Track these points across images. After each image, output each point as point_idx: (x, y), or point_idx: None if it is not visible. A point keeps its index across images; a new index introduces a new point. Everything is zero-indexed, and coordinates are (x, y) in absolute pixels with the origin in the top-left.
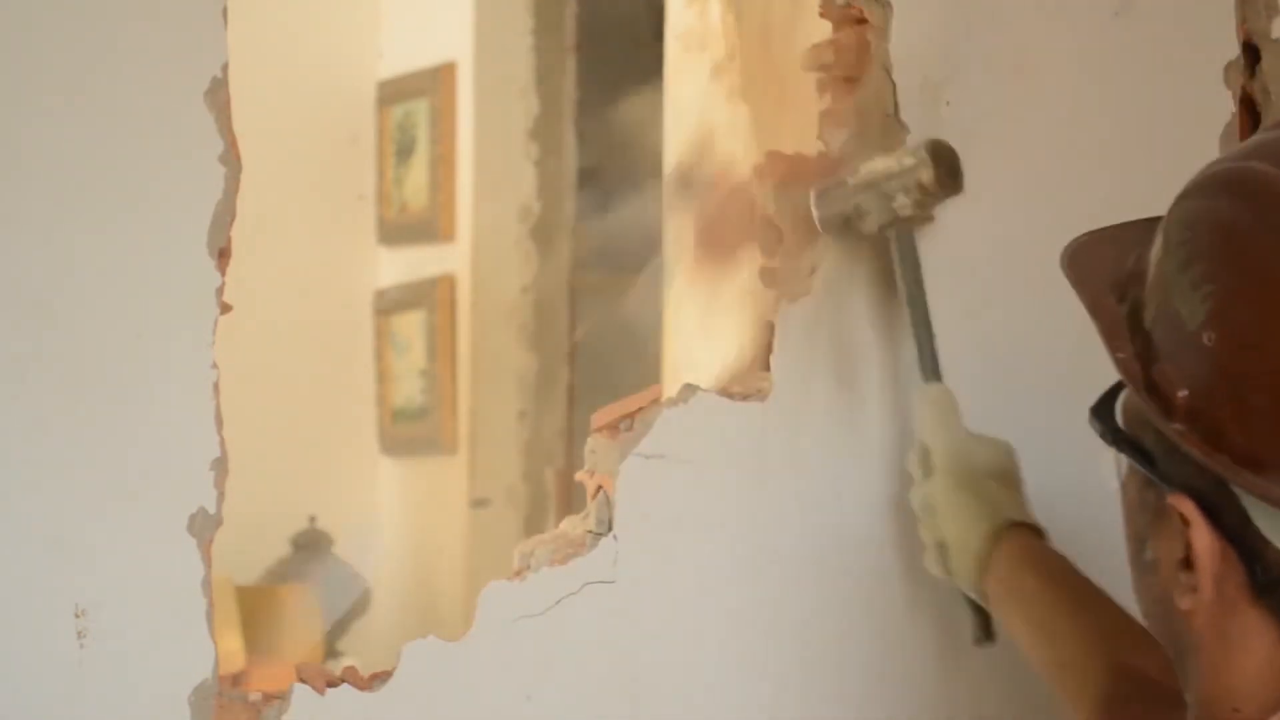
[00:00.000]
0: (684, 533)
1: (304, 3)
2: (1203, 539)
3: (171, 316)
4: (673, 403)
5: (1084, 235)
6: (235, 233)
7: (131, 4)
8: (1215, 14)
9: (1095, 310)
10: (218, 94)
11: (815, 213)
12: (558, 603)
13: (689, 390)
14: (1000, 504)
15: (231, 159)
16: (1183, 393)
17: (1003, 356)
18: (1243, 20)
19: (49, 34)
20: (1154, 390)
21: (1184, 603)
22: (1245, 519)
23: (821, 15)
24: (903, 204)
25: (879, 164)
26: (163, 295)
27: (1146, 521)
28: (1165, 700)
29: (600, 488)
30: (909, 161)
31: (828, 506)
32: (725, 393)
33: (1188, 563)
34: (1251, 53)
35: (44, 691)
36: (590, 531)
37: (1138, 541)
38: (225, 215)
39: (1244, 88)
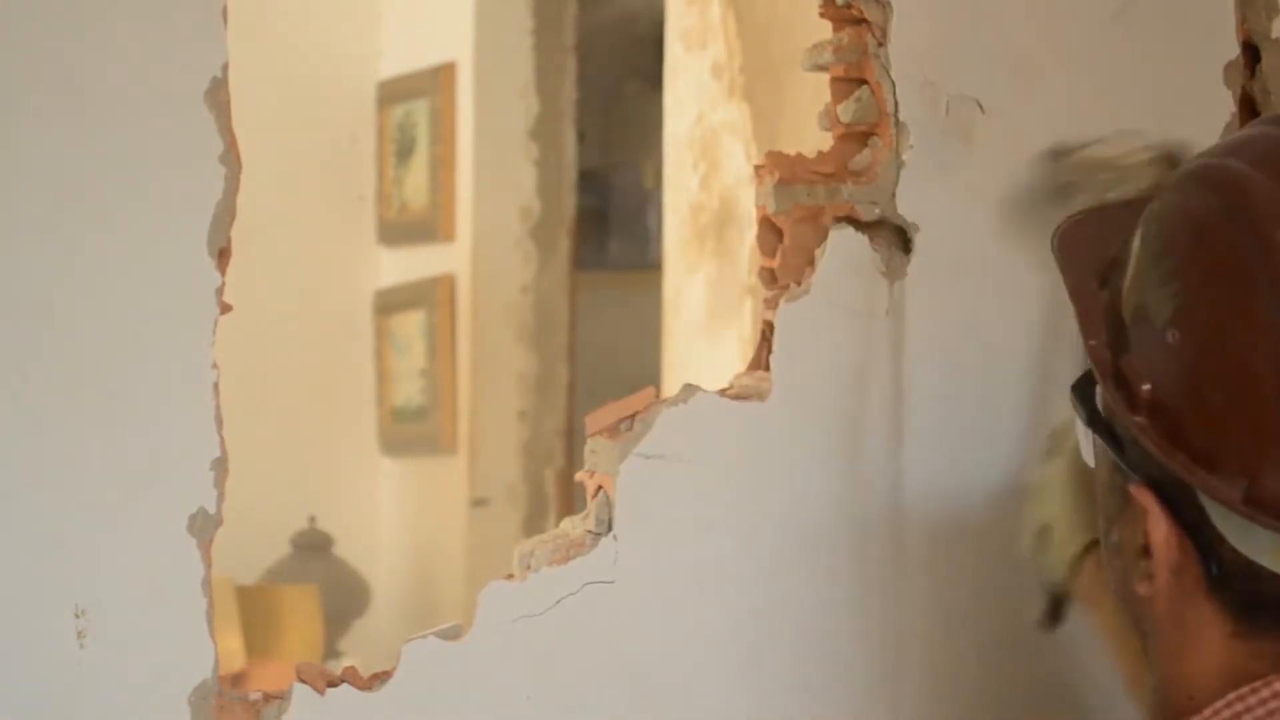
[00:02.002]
0: (684, 533)
1: (304, 3)
2: (1159, 530)
3: (171, 316)
4: (673, 403)
5: (1078, 213)
6: (235, 233)
7: (131, 4)
8: (1215, 14)
9: (1076, 295)
10: (218, 94)
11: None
12: (558, 603)
13: (689, 390)
14: None
15: (231, 159)
16: (1146, 387)
17: (1002, 357)
18: (1243, 20)
19: (49, 34)
20: (1121, 381)
21: (1140, 589)
22: (1202, 514)
23: (821, 15)
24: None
25: (1111, 150)
26: (163, 295)
27: (1114, 505)
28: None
29: (600, 488)
30: (1144, 158)
31: (828, 507)
32: (725, 393)
33: (1147, 550)
34: (1251, 53)
35: (44, 691)
36: (590, 531)
37: (1106, 522)
38: (225, 215)
39: (1244, 88)
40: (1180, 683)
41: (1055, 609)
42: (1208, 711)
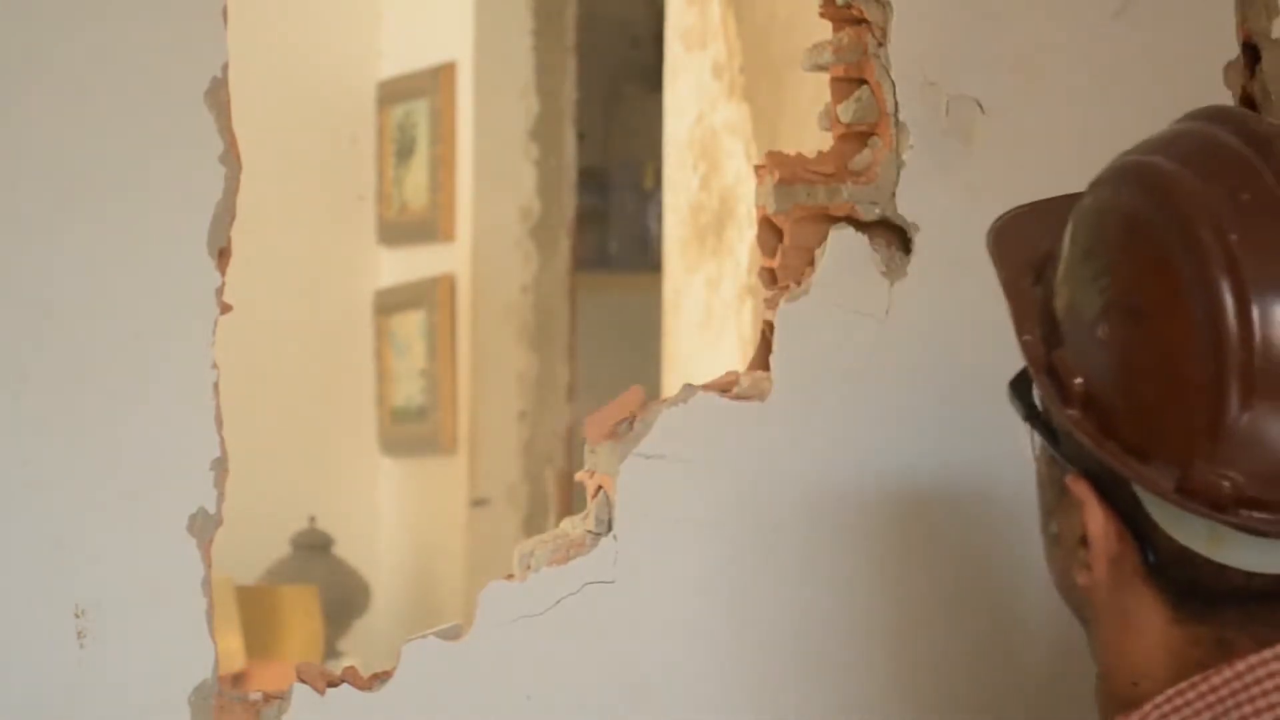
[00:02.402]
0: (684, 533)
1: (304, 3)
2: (1096, 520)
3: (171, 316)
4: (673, 403)
5: (1013, 210)
6: (235, 233)
7: (131, 4)
8: (1215, 14)
9: (1009, 291)
10: (218, 94)
11: None
12: (558, 603)
13: (689, 390)
14: None
15: (231, 159)
16: (1078, 380)
17: (1002, 357)
18: (1243, 20)
19: (49, 34)
20: (1053, 375)
21: (1080, 578)
22: (1136, 503)
23: (822, 15)
24: None
25: None
26: (163, 295)
27: (1052, 497)
28: None
29: (600, 488)
30: None
31: (828, 507)
32: (725, 393)
33: (1085, 540)
34: (1251, 53)
35: (44, 691)
36: (590, 531)
37: (1045, 514)
38: (225, 215)
39: (1244, 88)
40: (1124, 670)
41: None
42: (1148, 707)
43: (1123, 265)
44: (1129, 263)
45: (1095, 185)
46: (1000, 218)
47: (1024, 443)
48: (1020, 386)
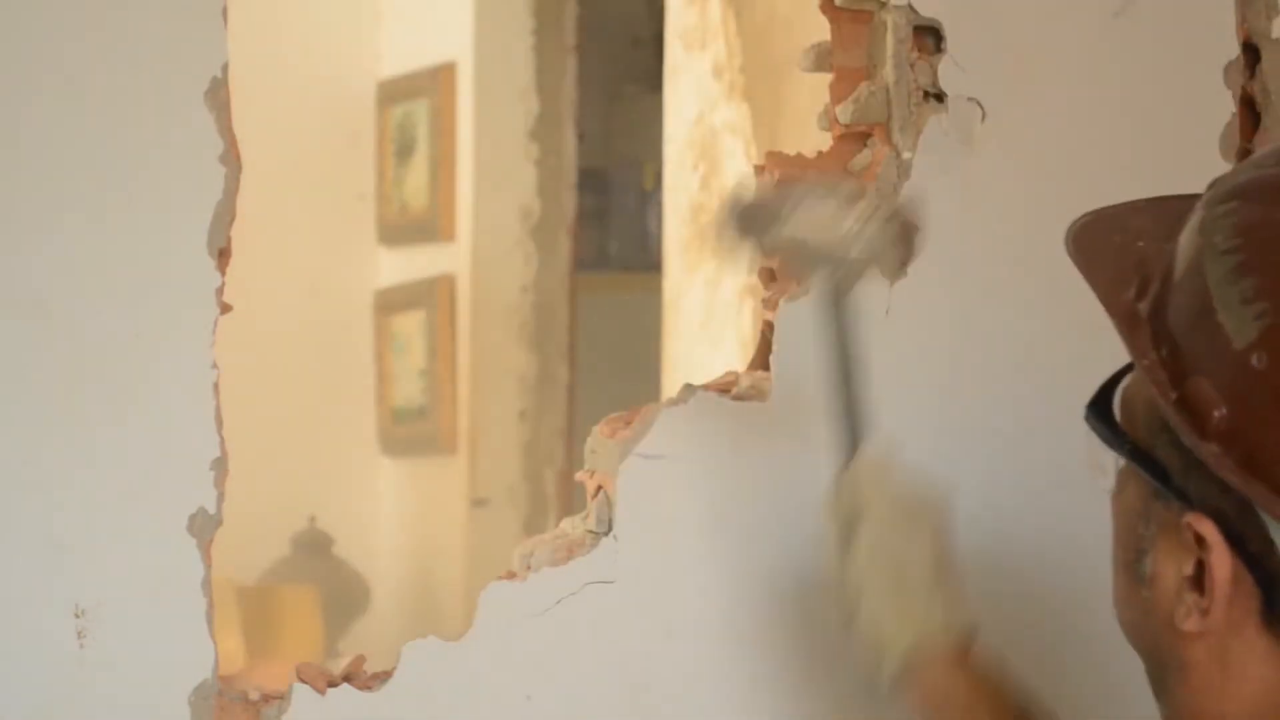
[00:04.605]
0: (684, 533)
1: (304, 3)
2: (1223, 563)
3: (171, 316)
4: (673, 403)
5: (1085, 216)
6: (235, 233)
7: (131, 4)
8: (1215, 14)
9: (1111, 304)
10: (218, 94)
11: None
12: (558, 603)
13: (689, 390)
14: (927, 616)
15: (231, 159)
16: (1220, 411)
17: (1001, 357)
18: (1243, 20)
19: (49, 34)
20: (1185, 404)
21: (1188, 624)
22: (1270, 545)
23: (822, 12)
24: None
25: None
26: (163, 295)
27: (1150, 533)
28: None
29: (600, 488)
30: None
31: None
32: (725, 393)
33: (1197, 582)
34: (1251, 53)
35: (44, 691)
36: (590, 531)
37: (1134, 551)
38: (225, 215)
39: (1244, 88)
40: (1215, 718)
41: None
42: None
43: None
44: None
45: (1230, 197)
46: (1074, 223)
47: (1037, 454)
48: (1101, 409)
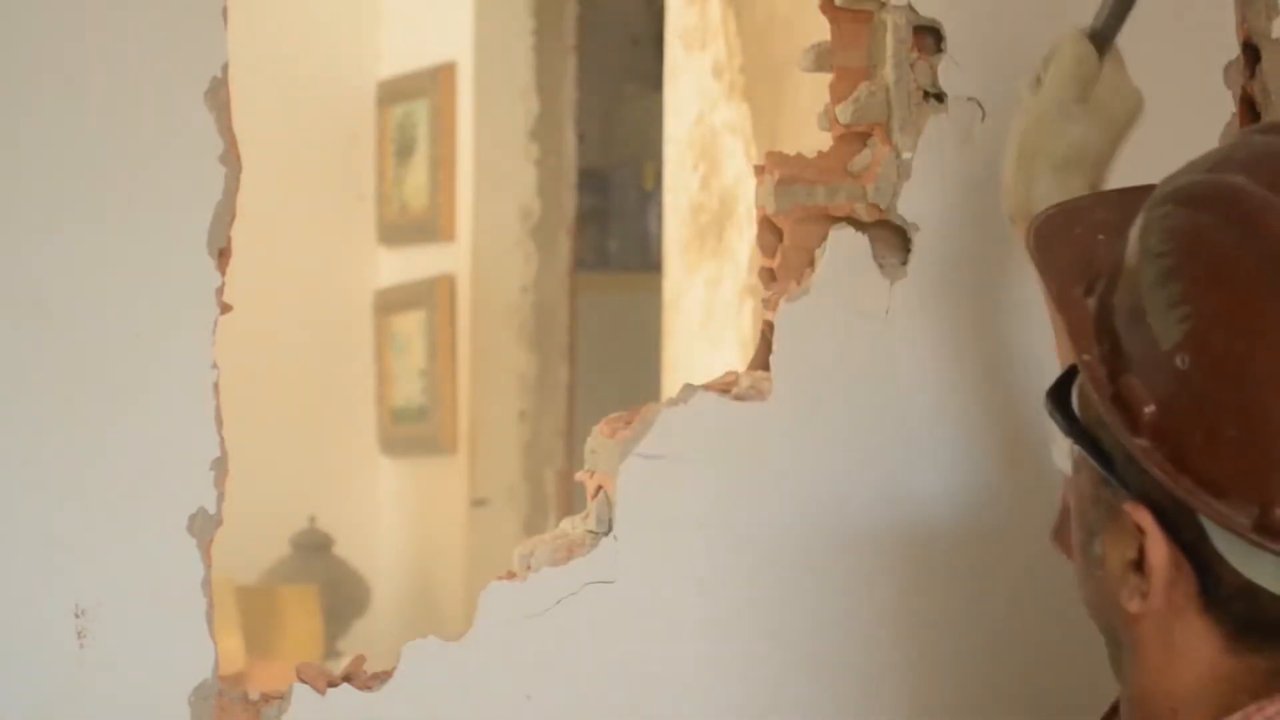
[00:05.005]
0: (684, 533)
1: (304, 3)
2: (1159, 550)
3: (171, 316)
4: (673, 403)
5: (1051, 209)
6: (235, 233)
7: (131, 4)
8: (1215, 14)
9: (1061, 303)
10: (218, 94)
11: None
12: (558, 603)
13: (689, 390)
14: (1065, 187)
15: (231, 159)
16: (1150, 409)
17: (1002, 356)
18: (1243, 20)
19: (49, 34)
20: (1119, 400)
21: (1131, 605)
22: (1202, 535)
23: (822, 12)
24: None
25: None
26: (163, 295)
27: (1099, 517)
28: None
29: (600, 488)
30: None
31: (828, 506)
32: (725, 393)
33: (1138, 566)
34: (1251, 53)
35: (44, 691)
36: (590, 531)
37: (1087, 533)
38: (225, 215)
39: (1244, 88)
40: (1162, 697)
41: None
42: None
43: (1208, 296)
44: (1215, 294)
45: (1167, 200)
46: (1038, 216)
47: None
48: (1059, 397)
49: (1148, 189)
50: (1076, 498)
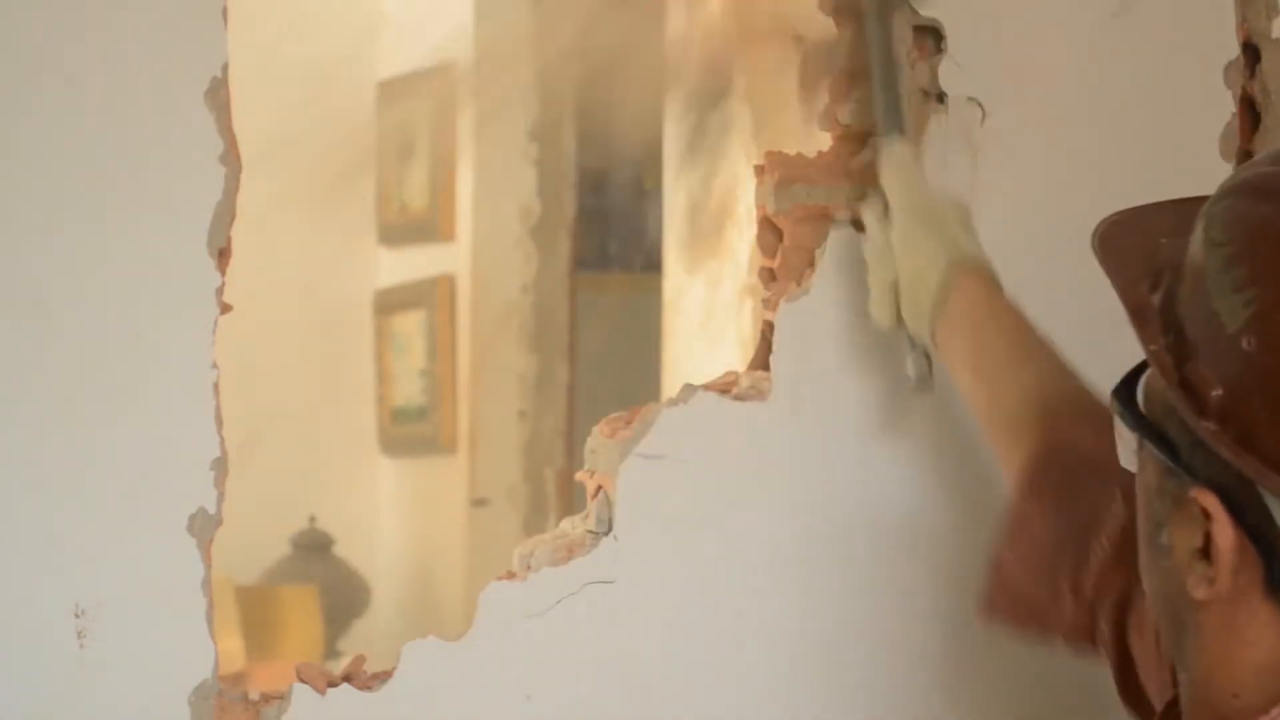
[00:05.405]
0: (684, 533)
1: (304, 3)
2: (1225, 535)
3: (171, 316)
4: (673, 403)
5: (1113, 216)
6: (235, 233)
7: (131, 4)
8: (1215, 14)
9: (1128, 299)
10: (218, 94)
11: None
12: (558, 603)
13: (689, 390)
14: (959, 242)
15: (231, 159)
16: (1217, 392)
17: None
18: (1243, 20)
19: (49, 34)
20: (1186, 386)
21: (1198, 592)
22: (1268, 518)
23: (822, 12)
24: None
25: None
26: (163, 295)
27: (1165, 508)
28: (1090, 473)
29: (600, 488)
30: None
31: (828, 506)
32: (725, 393)
33: (1205, 553)
34: (1251, 53)
35: (44, 691)
36: (590, 531)
37: (1154, 524)
38: (225, 215)
39: (1244, 88)
40: (1225, 683)
41: (927, 367)
42: (1276, 711)
43: (1271, 277)
44: (1276, 275)
45: (1227, 195)
46: (1101, 223)
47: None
48: (1124, 394)
49: (1202, 198)
50: (1143, 491)
